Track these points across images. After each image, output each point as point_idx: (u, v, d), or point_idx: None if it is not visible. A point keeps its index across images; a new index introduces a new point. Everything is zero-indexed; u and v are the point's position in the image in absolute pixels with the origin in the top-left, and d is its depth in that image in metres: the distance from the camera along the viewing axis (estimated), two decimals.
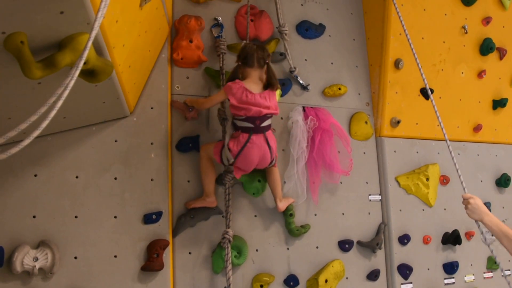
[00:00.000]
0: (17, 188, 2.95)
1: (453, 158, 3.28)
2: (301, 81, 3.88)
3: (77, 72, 1.86)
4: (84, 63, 2.18)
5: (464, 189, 3.18)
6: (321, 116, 3.82)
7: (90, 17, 2.09)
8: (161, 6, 3.16)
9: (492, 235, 4.29)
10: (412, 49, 3.41)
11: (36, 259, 2.85)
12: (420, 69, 3.41)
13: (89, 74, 2.36)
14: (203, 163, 3.38)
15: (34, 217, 2.96)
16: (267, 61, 3.31)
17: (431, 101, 3.42)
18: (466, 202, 3.01)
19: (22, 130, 1.76)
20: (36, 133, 1.70)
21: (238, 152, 3.19)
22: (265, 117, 3.24)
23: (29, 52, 2.00)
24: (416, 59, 3.41)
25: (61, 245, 2.98)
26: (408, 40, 3.43)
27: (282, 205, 3.53)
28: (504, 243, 2.78)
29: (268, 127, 3.29)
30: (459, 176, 3.25)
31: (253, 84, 3.24)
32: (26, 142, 1.70)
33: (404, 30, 3.44)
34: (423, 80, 3.44)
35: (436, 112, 3.38)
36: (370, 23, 4.27)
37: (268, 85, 3.29)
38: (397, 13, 3.54)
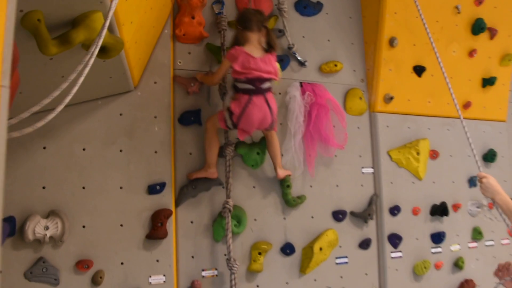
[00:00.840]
0: (26, 160, 3.01)
1: (467, 135, 3.33)
2: (298, 58, 3.94)
3: (97, 50, 1.92)
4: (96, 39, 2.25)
5: (479, 168, 3.27)
6: (317, 92, 3.89)
7: None
8: None
9: (478, 207, 4.48)
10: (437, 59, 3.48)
11: (47, 228, 2.93)
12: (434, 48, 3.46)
13: (101, 50, 2.40)
14: (208, 135, 3.45)
15: (43, 187, 3.03)
16: (266, 24, 3.38)
17: (446, 81, 3.49)
18: (480, 180, 3.09)
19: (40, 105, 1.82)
20: (60, 107, 1.77)
21: (240, 113, 3.26)
22: (265, 80, 3.30)
23: (46, 29, 2.05)
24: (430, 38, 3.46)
25: (70, 215, 3.06)
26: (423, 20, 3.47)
27: (282, 173, 3.61)
28: (511, 220, 2.89)
29: (268, 89, 3.34)
30: (474, 155, 3.35)
31: (254, 48, 3.30)
32: (51, 116, 1.77)
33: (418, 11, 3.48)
34: (436, 58, 3.51)
35: (450, 89, 3.47)
36: (366, 1, 4.30)
37: (269, 47, 3.36)
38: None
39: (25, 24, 1.98)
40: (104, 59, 2.50)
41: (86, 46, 2.30)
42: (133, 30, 2.79)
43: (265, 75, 3.27)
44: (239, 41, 3.34)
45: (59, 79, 2.64)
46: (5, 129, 1.21)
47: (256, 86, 3.26)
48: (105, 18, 1.96)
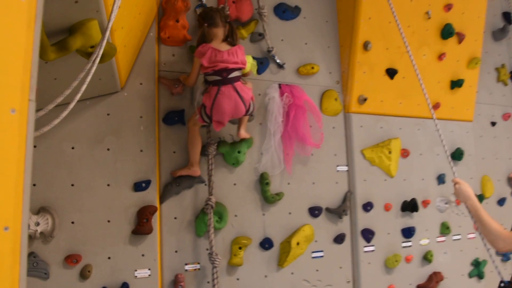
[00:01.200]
0: None
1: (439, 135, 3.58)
2: (277, 60, 4.15)
3: (98, 58, 2.10)
4: (92, 47, 2.44)
5: (454, 173, 3.58)
6: (295, 93, 4.11)
7: (100, 6, 2.33)
8: None
9: (446, 203, 4.77)
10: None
11: (37, 224, 3.09)
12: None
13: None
14: (190, 134, 3.64)
15: (34, 185, 3.16)
16: (229, 20, 3.62)
17: (420, 82, 3.77)
18: (454, 185, 3.40)
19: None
20: (67, 110, 1.95)
21: (211, 105, 3.43)
22: (232, 70, 3.47)
23: (46, 37, 2.23)
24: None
25: (60, 211, 3.22)
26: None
27: (244, 134, 3.78)
28: (479, 226, 3.17)
29: (237, 78, 3.51)
30: (448, 157, 3.70)
31: (220, 42, 3.49)
32: (57, 121, 1.95)
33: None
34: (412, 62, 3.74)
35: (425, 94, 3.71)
36: (342, 6, 4.54)
37: (234, 41, 3.55)
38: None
39: None
40: (100, 63, 2.67)
41: (81, 52, 2.48)
42: (123, 35, 2.97)
43: (231, 65, 3.45)
44: (206, 38, 3.50)
45: (52, 81, 2.82)
46: (31, 137, 1.40)
47: (223, 76, 3.44)
48: (105, 28, 2.14)
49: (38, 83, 2.66)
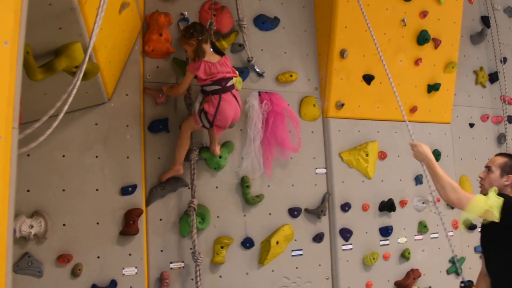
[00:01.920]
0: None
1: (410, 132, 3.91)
2: (257, 69, 4.51)
3: (81, 75, 2.45)
4: (76, 67, 2.79)
5: (411, 136, 3.84)
6: (274, 100, 4.46)
7: (82, 31, 2.68)
8: (135, 6, 3.71)
9: (423, 203, 5.11)
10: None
11: (31, 226, 3.45)
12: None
13: None
14: (183, 136, 3.97)
15: (28, 191, 3.55)
16: (211, 39, 4.01)
17: (393, 88, 4.08)
18: (412, 148, 3.71)
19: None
20: (57, 121, 2.31)
21: (215, 112, 3.79)
22: (229, 79, 3.88)
23: (33, 60, 2.59)
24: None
25: (52, 214, 3.58)
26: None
27: (218, 150, 4.15)
28: (434, 181, 3.47)
29: (232, 86, 3.92)
30: (407, 125, 3.94)
31: (210, 56, 3.85)
32: (49, 131, 2.31)
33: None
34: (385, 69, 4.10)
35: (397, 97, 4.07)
36: (320, 16, 4.90)
37: (219, 53, 3.93)
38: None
39: None
40: (83, 80, 3.02)
41: (67, 71, 2.83)
42: (107, 52, 3.33)
43: (228, 75, 3.85)
44: (200, 53, 3.80)
45: (42, 96, 3.17)
46: (15, 158, 1.75)
47: (222, 85, 3.83)
48: (85, 51, 2.49)
49: (30, 98, 3.02)
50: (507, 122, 6.07)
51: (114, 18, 3.24)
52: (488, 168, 3.57)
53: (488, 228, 3.41)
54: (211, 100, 3.82)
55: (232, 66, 3.95)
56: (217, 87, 3.82)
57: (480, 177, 3.63)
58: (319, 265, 4.64)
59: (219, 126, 3.89)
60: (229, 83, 3.88)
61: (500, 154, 3.70)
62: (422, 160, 3.63)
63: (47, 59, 2.71)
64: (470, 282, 3.56)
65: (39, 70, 2.67)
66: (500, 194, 3.29)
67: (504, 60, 6.18)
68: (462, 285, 3.53)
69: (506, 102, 6.10)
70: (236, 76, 3.97)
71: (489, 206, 3.19)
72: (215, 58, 3.86)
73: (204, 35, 3.83)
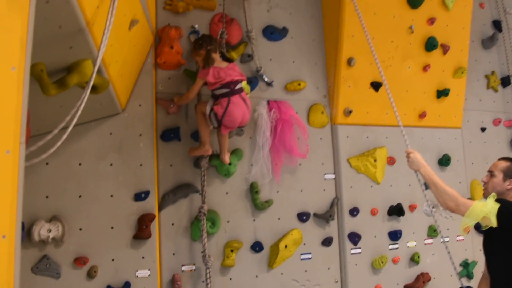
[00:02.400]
0: (32, 174, 3.75)
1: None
2: (266, 79, 4.69)
3: (88, 90, 2.66)
4: (87, 82, 3.01)
5: (407, 145, 3.97)
6: (282, 109, 4.64)
7: (92, 49, 2.89)
8: (145, 22, 3.93)
9: (433, 207, 5.20)
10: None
11: (49, 230, 3.69)
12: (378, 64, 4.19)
13: (92, 89, 3.15)
14: (199, 118, 4.19)
15: (47, 197, 3.80)
16: (221, 49, 4.25)
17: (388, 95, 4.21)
18: (407, 155, 3.84)
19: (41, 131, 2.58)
20: (66, 134, 2.53)
21: (223, 113, 3.98)
22: (237, 81, 4.07)
23: (47, 77, 2.82)
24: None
25: (69, 219, 3.83)
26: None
27: (227, 158, 4.34)
28: (432, 190, 3.60)
29: (241, 89, 4.11)
30: (402, 131, 4.07)
31: (219, 62, 4.07)
32: (57, 145, 2.54)
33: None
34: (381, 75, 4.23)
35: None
36: (328, 25, 5.06)
37: (228, 60, 4.15)
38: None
39: (32, 73, 2.71)
40: (94, 94, 3.25)
41: (79, 86, 3.05)
42: (118, 67, 3.55)
43: (236, 77, 4.06)
44: (209, 61, 4.03)
45: (58, 108, 3.40)
46: (23, 169, 1.97)
47: (231, 88, 4.03)
48: (93, 71, 2.70)
49: (47, 110, 3.25)
50: None
51: (124, 34, 3.47)
52: (491, 172, 3.65)
53: (488, 232, 3.50)
54: (220, 103, 4.01)
55: (240, 71, 4.15)
56: (226, 90, 4.02)
57: (483, 181, 3.72)
58: (328, 268, 4.79)
59: (226, 126, 4.06)
60: (238, 86, 4.07)
61: (503, 158, 3.75)
62: (417, 169, 3.76)
63: (60, 76, 2.94)
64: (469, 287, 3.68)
65: (53, 86, 2.90)
66: (498, 199, 3.39)
67: None
68: None
69: None
70: (244, 80, 4.15)
71: (486, 212, 3.28)
72: (223, 64, 4.08)
73: (213, 45, 4.05)
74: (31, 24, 1.94)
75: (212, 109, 4.04)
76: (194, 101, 4.31)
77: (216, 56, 4.08)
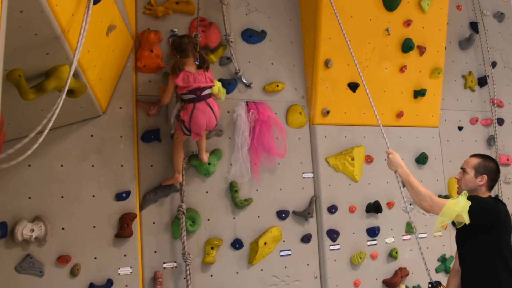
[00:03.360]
0: (14, 176, 3.88)
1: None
2: (244, 81, 4.83)
3: (63, 95, 2.80)
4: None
5: (388, 146, 4.12)
6: (261, 110, 4.78)
7: (69, 55, 3.03)
8: (124, 27, 4.07)
9: (411, 204, 5.36)
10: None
11: (32, 230, 3.82)
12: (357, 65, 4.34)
13: (69, 92, 3.29)
14: (175, 146, 4.35)
15: (29, 198, 3.93)
16: (198, 49, 4.32)
17: (368, 95, 4.36)
18: (388, 155, 3.99)
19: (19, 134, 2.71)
20: (45, 132, 2.66)
21: (189, 119, 4.11)
22: (204, 88, 4.17)
23: (25, 82, 2.95)
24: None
25: (52, 219, 3.96)
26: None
27: (205, 157, 4.48)
28: (409, 190, 3.75)
29: (209, 95, 4.21)
30: (381, 130, 4.25)
31: (190, 66, 4.17)
32: (33, 148, 2.67)
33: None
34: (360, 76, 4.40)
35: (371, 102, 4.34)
36: (306, 28, 5.21)
37: (204, 64, 4.22)
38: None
39: (9, 79, 2.85)
40: (73, 98, 3.38)
41: (59, 90, 3.18)
42: (97, 71, 3.68)
43: (203, 84, 4.16)
44: (178, 67, 4.14)
45: (39, 112, 3.53)
46: None
47: (197, 94, 4.14)
48: (69, 75, 2.84)
49: (28, 114, 3.36)
50: (496, 124, 6.27)
51: (102, 39, 3.61)
52: (463, 169, 3.81)
53: (460, 228, 3.63)
54: (186, 108, 4.14)
55: (212, 77, 4.24)
56: (192, 96, 4.13)
57: (457, 178, 3.88)
58: (307, 264, 4.94)
59: (195, 133, 4.18)
60: (205, 92, 4.17)
61: (474, 155, 3.90)
62: (395, 169, 3.90)
63: (38, 81, 3.08)
64: (438, 282, 3.82)
65: (31, 90, 3.03)
66: (470, 196, 3.54)
67: (493, 64, 6.41)
68: (430, 285, 3.80)
69: (496, 105, 6.31)
70: (213, 85, 4.25)
71: (458, 211, 3.42)
72: (194, 69, 4.18)
73: (184, 52, 4.15)
74: (2, 35, 2.07)
75: (178, 115, 4.19)
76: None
77: (189, 60, 4.17)
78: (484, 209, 3.47)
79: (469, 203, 3.43)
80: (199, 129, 4.16)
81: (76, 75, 3.28)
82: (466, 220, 3.40)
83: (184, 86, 4.11)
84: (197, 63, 4.21)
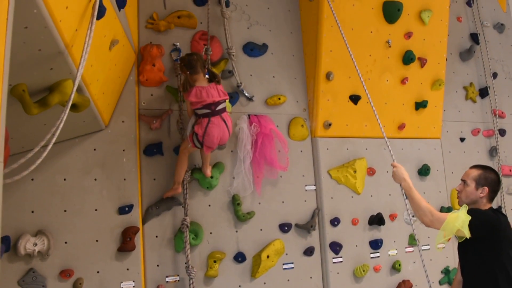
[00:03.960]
0: (18, 189, 3.89)
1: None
2: (246, 94, 4.87)
3: (67, 110, 2.82)
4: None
5: (393, 159, 4.14)
6: (262, 123, 4.80)
7: (72, 70, 3.05)
8: (127, 41, 4.10)
9: (413, 216, 5.34)
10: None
11: (35, 244, 3.84)
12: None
13: (72, 107, 3.32)
14: (180, 157, 4.37)
15: (32, 212, 3.94)
16: (207, 66, 4.36)
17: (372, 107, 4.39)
18: (393, 167, 4.00)
19: (23, 148, 2.73)
20: (48, 149, 2.68)
21: (203, 133, 4.16)
22: (219, 102, 4.22)
23: (29, 97, 2.97)
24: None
25: (54, 233, 3.97)
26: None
27: (209, 171, 4.50)
28: (410, 203, 3.77)
29: (223, 110, 4.27)
30: (386, 142, 4.29)
31: (201, 82, 4.20)
32: (37, 162, 2.69)
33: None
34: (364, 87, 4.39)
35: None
36: (307, 40, 5.25)
37: (213, 79, 4.26)
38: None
39: (13, 94, 2.88)
40: (76, 112, 3.40)
41: (62, 104, 3.20)
42: (100, 85, 3.71)
43: (217, 98, 4.20)
44: (189, 84, 4.20)
45: (42, 126, 3.55)
46: (1, 191, 2.12)
47: (212, 109, 4.19)
48: (72, 90, 2.86)
49: (31, 128, 3.39)
50: (498, 135, 6.29)
51: (105, 54, 3.64)
52: (464, 181, 3.80)
53: (462, 240, 3.64)
54: (201, 123, 4.18)
55: (224, 90, 4.29)
56: (207, 110, 4.17)
57: (457, 190, 3.87)
58: (310, 277, 4.93)
59: (207, 146, 4.23)
60: (220, 107, 4.22)
61: (475, 166, 3.88)
62: (399, 182, 3.90)
63: (42, 95, 3.10)
64: None
65: (34, 105, 3.06)
66: (470, 210, 3.53)
67: (494, 75, 6.44)
68: None
69: (497, 116, 6.33)
70: (227, 99, 4.31)
71: (458, 227, 3.42)
72: (206, 83, 4.21)
73: (193, 68, 4.16)
74: (7, 51, 2.10)
75: (193, 129, 4.21)
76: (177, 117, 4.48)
77: (199, 76, 4.20)
78: (484, 222, 3.47)
79: (469, 217, 3.42)
80: (212, 143, 4.22)
81: (79, 90, 3.31)
82: (467, 235, 3.40)
83: (197, 102, 4.14)
84: (207, 77, 4.26)
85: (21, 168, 2.67)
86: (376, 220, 5.23)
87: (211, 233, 4.58)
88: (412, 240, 5.45)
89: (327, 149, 5.17)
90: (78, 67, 2.88)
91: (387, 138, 5.33)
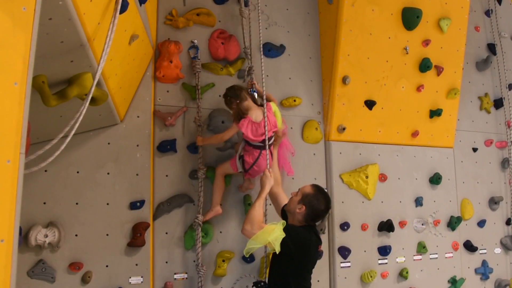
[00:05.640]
0: (30, 180, 3.86)
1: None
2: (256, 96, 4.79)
3: (87, 103, 2.78)
4: (87, 94, 3.13)
5: (268, 168, 4.09)
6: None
7: (92, 63, 3.02)
8: (146, 36, 4.06)
9: (423, 224, 5.29)
10: None
11: (46, 235, 3.81)
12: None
13: (90, 100, 3.28)
14: (217, 179, 4.39)
15: (44, 203, 3.91)
16: (250, 91, 4.38)
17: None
18: (265, 173, 4.01)
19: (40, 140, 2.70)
20: (64, 145, 2.65)
21: (253, 164, 4.19)
22: (271, 137, 4.22)
23: (48, 88, 2.95)
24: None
25: (65, 225, 3.94)
26: None
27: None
28: (250, 209, 3.82)
29: (272, 143, 4.28)
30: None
31: (254, 111, 4.18)
32: (55, 154, 2.66)
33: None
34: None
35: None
36: (324, 44, 5.20)
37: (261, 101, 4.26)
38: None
39: (33, 85, 2.82)
40: (94, 106, 3.37)
41: (79, 97, 3.17)
42: (118, 80, 3.68)
43: (270, 133, 4.18)
44: (242, 113, 4.17)
45: (58, 118, 3.52)
46: (22, 178, 2.09)
47: (264, 143, 4.16)
48: (92, 84, 2.83)
49: (48, 120, 3.36)
50: (511, 146, 6.21)
51: (124, 48, 3.60)
52: (299, 190, 3.91)
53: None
54: (251, 153, 4.20)
55: (274, 119, 4.25)
56: (261, 144, 4.17)
57: (291, 194, 3.97)
58: (318, 280, 4.87)
59: (250, 174, 4.29)
60: (271, 141, 4.22)
61: (313, 185, 3.96)
62: (262, 186, 3.95)
63: (61, 87, 3.07)
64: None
65: (53, 97, 3.03)
66: (286, 226, 3.63)
67: (510, 86, 6.35)
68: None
69: (511, 127, 6.25)
70: (276, 130, 4.30)
71: (271, 240, 3.54)
72: (259, 114, 4.16)
73: (240, 96, 4.17)
74: (34, 41, 2.07)
75: (242, 155, 4.23)
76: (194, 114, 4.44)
77: (249, 103, 4.20)
78: (296, 243, 3.60)
79: (283, 235, 3.54)
80: (257, 174, 4.27)
81: (98, 83, 3.25)
82: (277, 250, 3.52)
83: (254, 139, 4.14)
84: (252, 93, 4.35)
85: (36, 159, 2.63)
86: (386, 227, 5.17)
87: (220, 232, 4.54)
88: (421, 248, 5.39)
89: (340, 153, 5.11)
90: (99, 61, 2.84)
91: (400, 145, 5.38)
